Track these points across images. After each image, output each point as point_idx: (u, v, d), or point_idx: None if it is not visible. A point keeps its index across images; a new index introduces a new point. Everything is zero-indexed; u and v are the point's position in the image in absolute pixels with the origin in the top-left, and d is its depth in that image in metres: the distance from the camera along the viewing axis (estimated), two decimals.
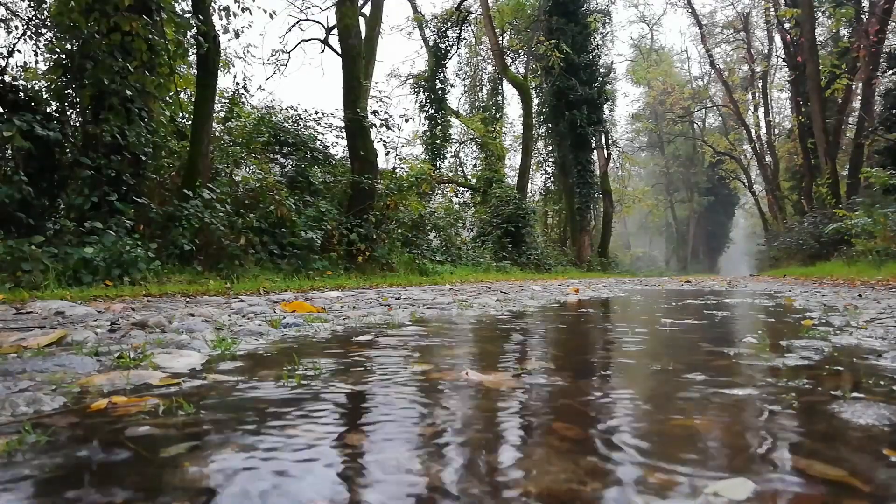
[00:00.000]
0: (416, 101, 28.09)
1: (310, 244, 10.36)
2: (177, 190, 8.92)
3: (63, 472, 0.90)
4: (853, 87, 23.67)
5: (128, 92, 7.91)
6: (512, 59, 29.95)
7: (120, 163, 7.75)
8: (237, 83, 16.03)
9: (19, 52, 8.70)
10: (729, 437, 1.08)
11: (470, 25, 29.55)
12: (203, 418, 1.19)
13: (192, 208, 8.32)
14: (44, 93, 8.14)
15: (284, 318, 3.20)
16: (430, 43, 28.78)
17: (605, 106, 29.76)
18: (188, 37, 9.35)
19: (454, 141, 29.94)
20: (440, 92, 28.17)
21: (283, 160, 13.79)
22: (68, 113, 8.18)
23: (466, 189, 27.14)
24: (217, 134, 11.91)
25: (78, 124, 8.10)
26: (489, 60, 30.42)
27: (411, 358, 1.98)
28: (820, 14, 25.45)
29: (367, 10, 17.94)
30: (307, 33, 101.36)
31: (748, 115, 37.54)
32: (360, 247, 11.62)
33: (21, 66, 8.86)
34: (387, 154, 22.13)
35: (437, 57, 28.36)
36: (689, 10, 36.27)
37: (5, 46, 8.53)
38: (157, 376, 1.58)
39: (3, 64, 8.06)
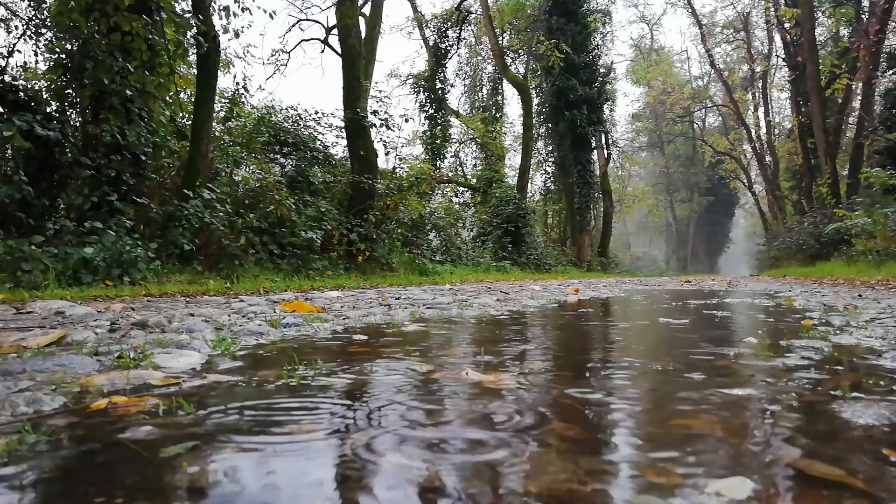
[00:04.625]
0: (416, 101, 28.12)
1: (310, 244, 10.36)
2: (177, 190, 8.92)
3: (63, 472, 0.90)
4: (853, 87, 23.67)
5: (128, 92, 7.91)
6: (512, 59, 29.95)
7: (120, 163, 7.75)
8: (237, 83, 16.03)
9: (19, 52, 8.70)
10: (729, 436, 1.08)
11: (470, 25, 29.55)
12: (203, 418, 1.19)
13: (192, 208, 8.32)
14: (44, 93, 8.13)
15: (284, 317, 3.20)
16: (430, 43, 28.77)
17: (605, 106, 29.78)
18: (188, 37, 9.35)
19: (454, 141, 29.95)
20: (440, 92, 28.16)
21: (283, 160, 13.78)
22: (68, 113, 8.18)
23: (466, 189, 27.13)
24: (217, 134, 11.91)
25: (78, 124, 8.10)
26: (489, 60, 30.43)
27: (411, 358, 1.98)
28: (820, 14, 25.44)
29: (367, 10, 17.93)
30: (307, 33, 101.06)
31: (748, 115, 37.55)
32: (360, 247, 11.61)
33: (21, 66, 8.85)
34: (387, 154, 22.14)
35: (437, 57, 28.35)
36: (689, 10, 36.30)
37: (5, 46, 8.53)
38: (157, 376, 1.58)
39: (3, 64, 8.06)
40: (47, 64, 8.41)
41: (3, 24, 9.23)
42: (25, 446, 1.00)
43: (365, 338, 2.55)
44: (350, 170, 12.98)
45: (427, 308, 4.36)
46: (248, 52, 22.62)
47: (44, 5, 8.71)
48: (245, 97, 14.38)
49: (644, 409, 1.31)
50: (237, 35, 10.23)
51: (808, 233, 21.48)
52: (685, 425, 1.15)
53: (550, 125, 28.56)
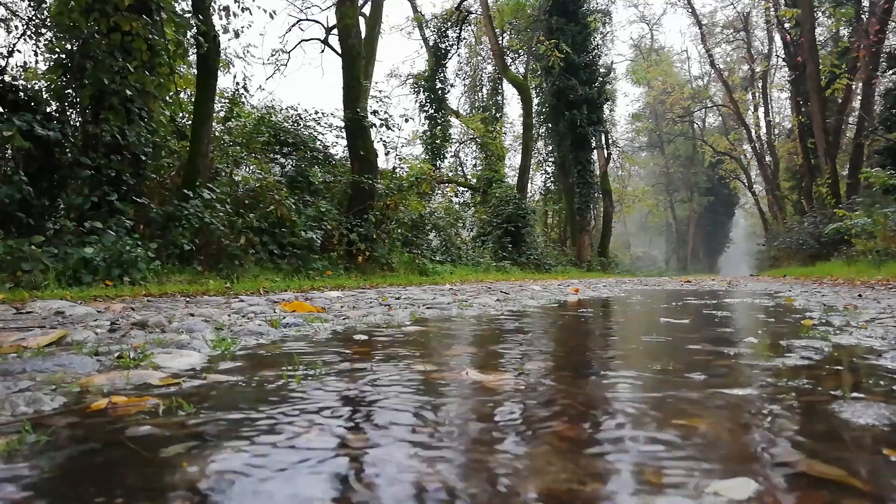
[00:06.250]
0: (416, 101, 28.12)
1: (310, 244, 10.36)
2: (177, 190, 8.92)
3: (63, 472, 0.90)
4: (853, 87, 23.67)
5: (128, 92, 7.91)
6: (512, 59, 29.95)
7: (120, 163, 7.75)
8: (237, 83, 16.04)
9: (19, 52, 8.70)
10: (729, 437, 1.08)
11: (470, 25, 29.55)
12: (203, 418, 1.19)
13: (192, 208, 8.32)
14: (44, 93, 8.13)
15: (284, 317, 3.19)
16: (430, 43, 28.78)
17: (605, 106, 29.77)
18: (188, 37, 9.35)
19: (454, 141, 29.95)
20: (440, 92, 28.16)
21: (283, 160, 13.77)
22: (68, 113, 8.17)
23: (466, 189, 27.13)
24: (217, 134, 11.91)
25: (78, 124, 8.09)
26: (489, 60, 30.43)
27: (411, 358, 1.98)
28: (820, 14, 25.45)
29: (367, 9, 17.92)
30: (307, 33, 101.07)
31: (748, 115, 37.54)
32: (360, 247, 11.61)
33: (21, 66, 8.85)
34: (387, 154, 22.13)
35: (437, 57, 28.35)
36: (689, 10, 36.27)
37: (5, 46, 8.53)
38: (157, 376, 1.58)
39: (3, 64, 8.05)
40: (47, 64, 8.41)
41: (3, 24, 9.23)
42: (25, 446, 1.00)
43: (365, 338, 2.55)
44: (350, 170, 12.98)
45: (427, 308, 4.36)
46: (248, 52, 22.65)
47: (44, 5, 8.71)
48: (245, 97, 14.39)
49: (644, 408, 1.30)
50: (237, 35, 10.23)
51: (808, 233, 21.48)
52: (685, 425, 1.14)
53: (550, 125, 28.56)
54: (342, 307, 4.33)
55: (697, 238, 56.64)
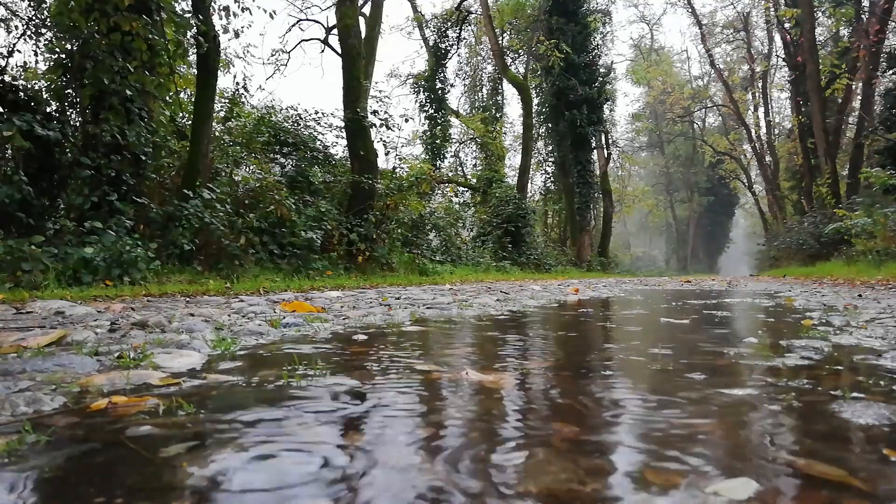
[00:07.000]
0: (416, 101, 28.11)
1: (310, 244, 10.36)
2: (177, 190, 8.92)
3: (63, 472, 0.90)
4: (853, 87, 23.67)
5: (128, 92, 7.91)
6: (512, 59, 29.95)
7: (120, 163, 7.75)
8: (237, 83, 16.04)
9: (19, 52, 8.72)
10: (729, 436, 1.08)
11: (470, 25, 29.55)
12: (203, 418, 1.19)
13: (192, 208, 8.32)
14: (44, 93, 8.13)
15: (284, 317, 3.19)
16: (430, 43, 28.78)
17: (605, 106, 29.78)
18: (188, 37, 9.35)
19: (454, 141, 29.96)
20: (440, 92, 28.16)
21: (283, 160, 13.77)
22: (68, 113, 8.17)
23: (466, 189, 27.13)
24: (217, 134, 11.90)
25: (78, 124, 8.10)
26: (489, 60, 30.44)
27: (411, 358, 1.98)
28: (820, 14, 25.45)
29: (367, 9, 17.92)
30: (307, 33, 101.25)
31: (748, 115, 37.54)
32: (360, 247, 11.61)
33: (21, 66, 8.86)
34: (387, 154, 22.13)
35: (437, 57, 28.35)
36: (689, 10, 36.26)
37: (5, 46, 8.53)
38: (157, 376, 1.58)
39: (3, 64, 8.05)
40: (47, 64, 8.41)
41: (3, 24, 9.23)
42: (25, 446, 1.00)
43: (365, 338, 2.55)
44: (350, 170, 12.98)
45: (427, 308, 4.36)
46: (248, 52, 22.67)
47: (44, 5, 8.71)
48: (245, 97, 14.39)
49: (644, 409, 1.30)
50: (237, 35, 10.23)
51: (808, 233, 21.48)
52: (685, 425, 1.14)
53: (550, 125, 28.57)
54: (342, 307, 4.33)
55: (697, 238, 56.64)
